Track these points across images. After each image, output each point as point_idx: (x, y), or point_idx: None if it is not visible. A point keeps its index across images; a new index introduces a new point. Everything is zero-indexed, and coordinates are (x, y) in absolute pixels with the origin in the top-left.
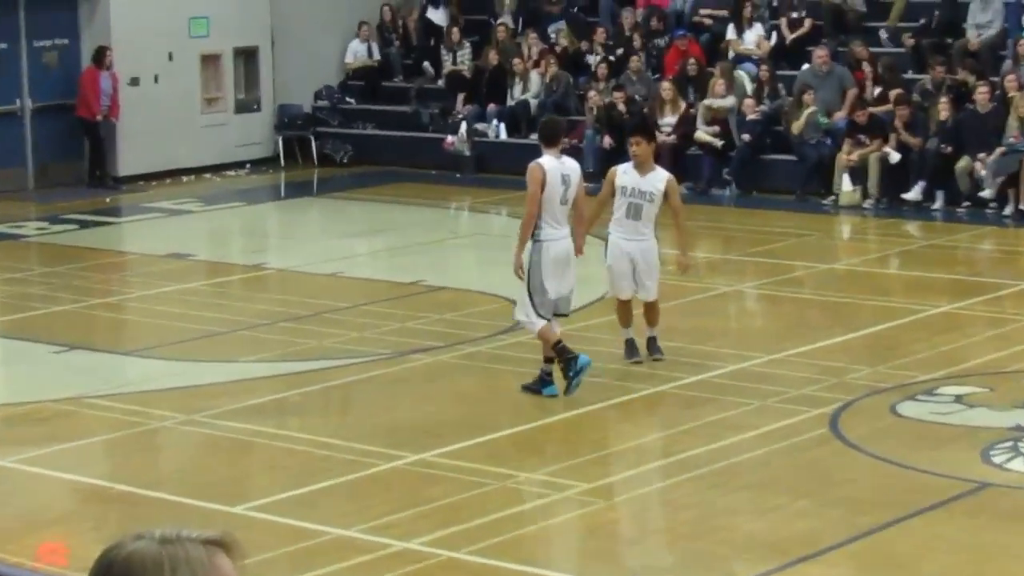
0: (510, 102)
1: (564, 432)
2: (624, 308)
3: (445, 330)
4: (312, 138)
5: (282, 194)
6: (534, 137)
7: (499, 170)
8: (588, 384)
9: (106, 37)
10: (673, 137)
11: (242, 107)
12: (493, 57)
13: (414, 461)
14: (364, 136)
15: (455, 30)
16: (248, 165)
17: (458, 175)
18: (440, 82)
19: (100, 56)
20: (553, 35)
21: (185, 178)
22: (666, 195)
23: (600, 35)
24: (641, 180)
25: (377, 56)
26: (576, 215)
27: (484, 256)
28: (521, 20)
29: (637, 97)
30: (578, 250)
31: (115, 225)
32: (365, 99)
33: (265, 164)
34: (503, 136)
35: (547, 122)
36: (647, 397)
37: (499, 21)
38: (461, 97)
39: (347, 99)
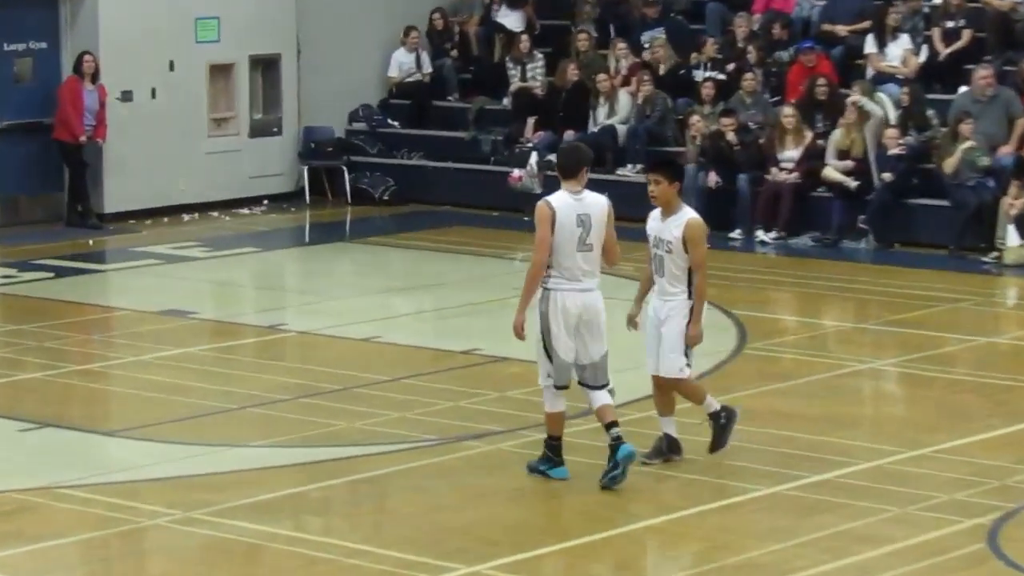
0: (592, 128)
1: (650, 542)
2: (655, 389)
3: (505, 411)
4: (345, 169)
5: (307, 238)
6: (626, 172)
7: None
8: (681, 482)
9: (92, 41)
10: (795, 175)
11: (259, 130)
12: (572, 72)
13: (465, 575)
14: (410, 168)
15: (525, 38)
16: (265, 202)
17: (526, 218)
18: (505, 102)
19: (84, 64)
20: (647, 46)
21: (187, 217)
22: (685, 244)
23: (707, 47)
24: (662, 226)
25: (428, 69)
26: (613, 265)
27: None
28: (608, 27)
29: (751, 125)
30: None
31: (99, 274)
32: (412, 122)
33: (286, 200)
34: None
35: (565, 150)
36: (757, 500)
37: (580, 28)
38: (531, 122)
39: (389, 122)
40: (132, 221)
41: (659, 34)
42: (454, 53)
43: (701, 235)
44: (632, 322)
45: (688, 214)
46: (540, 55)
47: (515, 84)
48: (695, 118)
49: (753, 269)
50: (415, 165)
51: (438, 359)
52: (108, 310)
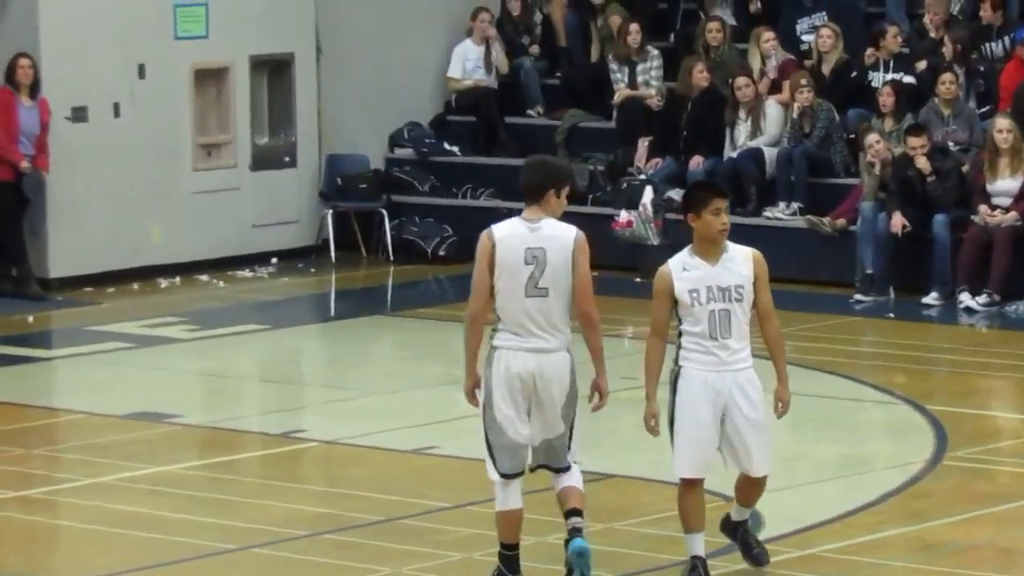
0: (730, 153)
1: None
2: (692, 498)
3: (612, 548)
4: (385, 214)
5: (332, 311)
6: (777, 213)
7: None
8: None
9: (29, 39)
10: (1013, 216)
11: (265, 160)
12: (700, 76)
13: None
14: (475, 211)
15: (635, 29)
16: (275, 260)
17: (638, 279)
18: (609, 119)
19: (18, 72)
20: (807, 38)
21: (165, 282)
22: (755, 284)
23: (888, 38)
24: (715, 271)
25: (503, 68)
26: (584, 322)
27: None
28: (751, 11)
29: (951, 145)
30: (601, 391)
31: (43, 363)
32: (478, 147)
33: (304, 258)
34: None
35: (529, 165)
36: None
37: (712, 14)
38: (644, 144)
39: (447, 147)
40: (88, 289)
41: (822, 20)
42: (535, 49)
43: (766, 268)
44: (655, 423)
45: (740, 246)
46: (656, 52)
47: (621, 92)
48: (872, 137)
49: (955, 347)
50: (483, 207)
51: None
52: (55, 413)
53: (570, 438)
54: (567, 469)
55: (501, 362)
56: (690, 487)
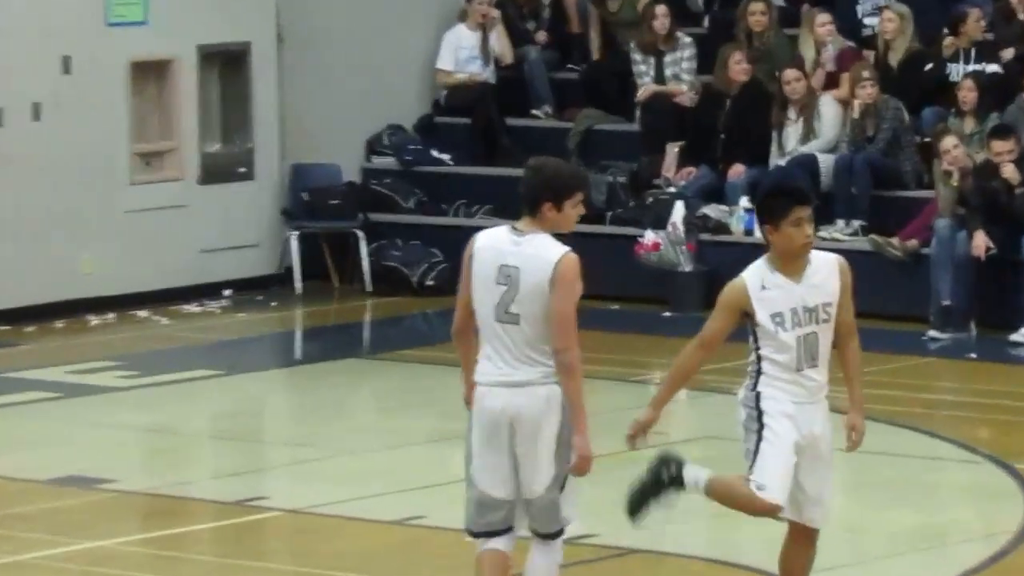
0: (777, 160)
1: None
2: (753, 510)
3: None
4: (362, 237)
5: (298, 353)
6: (836, 231)
7: None
8: None
9: None
10: None
11: (217, 171)
12: (741, 68)
13: None
14: (470, 232)
15: (661, 11)
16: (228, 292)
17: (667, 313)
18: (632, 121)
19: None
20: (870, 22)
21: (95, 319)
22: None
23: (969, 23)
24: (800, 289)
25: (505, 60)
26: (556, 364)
27: None
28: None
29: None
30: (579, 452)
31: None
32: (474, 154)
33: (264, 289)
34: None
35: (526, 169)
36: None
37: None
38: (674, 150)
39: (435, 155)
40: (3, 327)
41: (887, 1)
42: (542, 37)
43: (850, 277)
44: (643, 434)
45: (822, 254)
46: (688, 40)
47: (647, 88)
48: (949, 141)
49: None
50: (479, 227)
51: (522, 554)
52: None
53: (561, 493)
54: (555, 536)
55: (479, 400)
56: (765, 512)
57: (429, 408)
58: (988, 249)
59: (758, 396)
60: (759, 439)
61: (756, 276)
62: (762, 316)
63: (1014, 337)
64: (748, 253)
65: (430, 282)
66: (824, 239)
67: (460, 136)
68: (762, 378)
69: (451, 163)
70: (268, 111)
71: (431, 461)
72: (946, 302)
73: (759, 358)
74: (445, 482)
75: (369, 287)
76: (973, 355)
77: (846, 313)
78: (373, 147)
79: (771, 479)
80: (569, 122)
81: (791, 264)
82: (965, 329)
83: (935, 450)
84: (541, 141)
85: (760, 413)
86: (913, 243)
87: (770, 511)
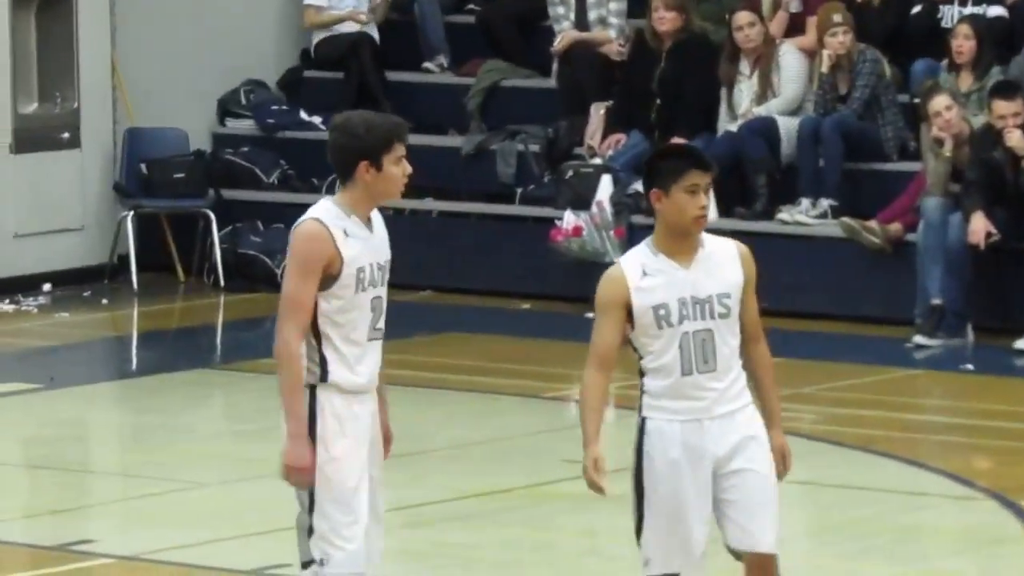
0: (727, 126)
1: None
2: None
3: None
4: (213, 218)
5: (133, 362)
6: (797, 213)
7: None
8: None
9: None
10: None
11: (33, 137)
12: (669, 16)
13: None
14: None
15: None
16: (47, 287)
17: (590, 314)
18: (548, 76)
19: None
20: None
21: None
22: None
23: None
24: (692, 274)
25: None
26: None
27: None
28: None
29: None
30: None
31: None
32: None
33: (91, 283)
34: (709, 213)
35: (337, 127)
36: None
37: None
38: (600, 113)
39: (303, 117)
40: None
41: None
42: None
43: (754, 267)
44: (600, 478)
45: (718, 238)
46: None
47: (565, 36)
48: (941, 102)
49: None
50: None
51: None
52: None
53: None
54: (303, 566)
55: (332, 401)
56: None
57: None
58: (988, 235)
59: (641, 430)
60: (639, 491)
61: (635, 262)
62: (641, 307)
63: (1019, 344)
64: None
65: None
66: (786, 223)
67: (334, 94)
68: (645, 398)
69: (323, 128)
70: (97, 63)
71: (294, 497)
72: (936, 301)
73: (642, 373)
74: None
75: (222, 281)
76: (969, 366)
77: (751, 309)
78: (227, 108)
79: (651, 549)
80: (469, 77)
81: (679, 243)
82: (959, 334)
83: (920, 484)
84: (434, 100)
85: (639, 456)
86: (896, 228)
87: None
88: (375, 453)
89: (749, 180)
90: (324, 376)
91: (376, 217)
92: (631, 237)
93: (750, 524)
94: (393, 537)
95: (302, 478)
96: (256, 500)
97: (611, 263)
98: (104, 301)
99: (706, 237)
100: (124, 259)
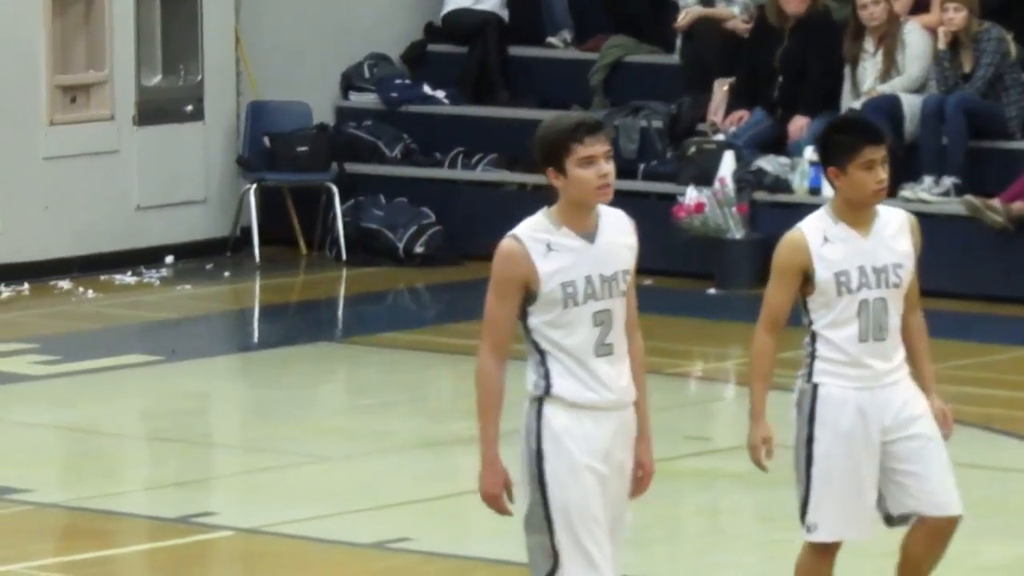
0: (851, 103)
1: None
2: (825, 570)
3: None
4: (335, 192)
5: (254, 336)
6: (921, 191)
7: None
8: None
9: None
10: None
11: (157, 109)
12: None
13: None
14: (469, 188)
15: None
16: (170, 259)
17: (712, 290)
18: (671, 52)
19: None
20: None
21: (6, 290)
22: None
23: None
24: (870, 244)
25: None
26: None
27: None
28: None
29: None
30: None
31: None
32: (473, 92)
33: (214, 256)
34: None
35: (546, 129)
36: None
37: None
38: (723, 90)
39: (427, 91)
40: None
41: None
42: None
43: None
44: (768, 452)
45: (894, 211)
46: None
47: (689, 12)
48: None
49: None
50: (480, 181)
51: None
52: None
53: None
54: None
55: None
56: (826, 557)
57: (415, 406)
58: None
59: (812, 397)
60: (808, 459)
61: (816, 228)
62: (823, 273)
63: None
64: None
65: (419, 249)
66: (909, 200)
67: (458, 69)
68: (817, 363)
69: (447, 102)
70: (221, 36)
71: (417, 472)
72: None
73: (814, 337)
74: (434, 497)
75: (344, 255)
76: None
77: (914, 283)
78: (350, 82)
79: (823, 515)
80: (593, 53)
81: (858, 213)
82: None
83: None
84: (557, 76)
85: (811, 422)
86: (1019, 206)
87: (825, 555)
88: (619, 482)
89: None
90: (548, 389)
91: (609, 223)
92: (753, 214)
93: (936, 489)
94: (518, 511)
95: (493, 505)
96: (377, 474)
97: (733, 240)
98: (226, 274)
99: (879, 207)
100: (246, 232)
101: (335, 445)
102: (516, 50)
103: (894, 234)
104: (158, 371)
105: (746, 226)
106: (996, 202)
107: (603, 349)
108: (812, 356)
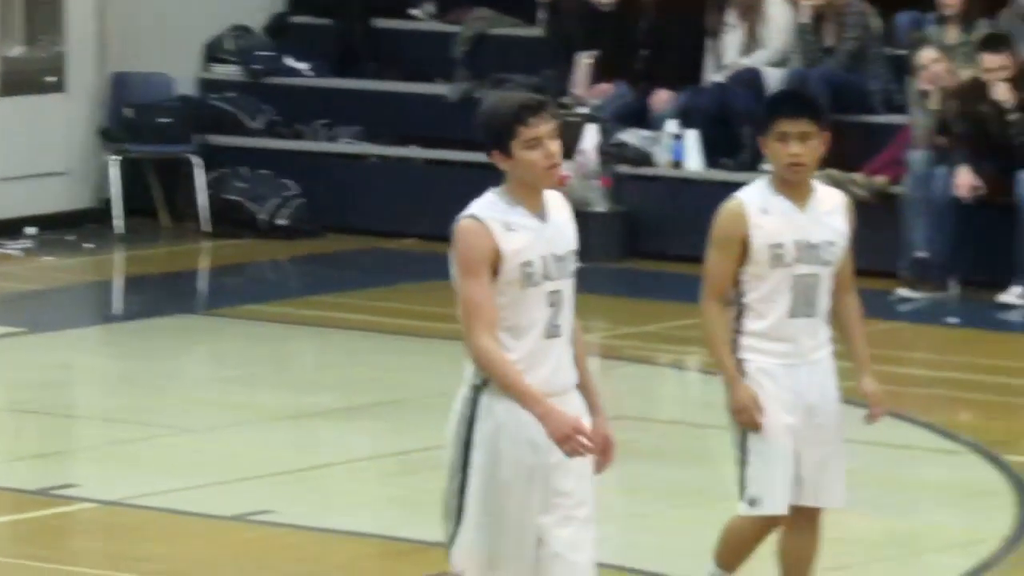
0: (713, 76)
1: None
2: (758, 535)
3: None
4: (198, 164)
5: (117, 307)
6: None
7: (682, 248)
8: None
9: None
10: None
11: (17, 80)
12: None
13: None
14: (332, 160)
15: None
16: (31, 231)
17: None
18: (533, 24)
19: None
20: None
21: None
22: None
23: None
24: (804, 219)
25: None
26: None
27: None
28: None
29: None
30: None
31: None
32: (336, 64)
33: (75, 227)
34: (694, 163)
35: (488, 111)
36: None
37: None
38: (586, 63)
39: (289, 63)
40: None
41: None
42: None
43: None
44: (757, 407)
45: (830, 189)
46: None
47: None
48: (928, 55)
49: None
50: (343, 154)
51: (394, 560)
52: None
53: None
54: None
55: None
56: (763, 531)
57: (278, 378)
58: (974, 188)
59: (741, 367)
60: (742, 437)
61: (757, 197)
62: (759, 244)
63: (1003, 298)
64: (677, 190)
65: (282, 221)
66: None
67: (320, 41)
68: (743, 339)
69: (309, 74)
70: (84, 6)
71: (279, 444)
72: (921, 254)
73: (741, 311)
74: (296, 470)
75: (206, 226)
76: (954, 320)
77: (848, 264)
78: (213, 53)
79: (764, 486)
80: (456, 25)
81: (791, 187)
82: (944, 287)
83: (905, 437)
84: (420, 48)
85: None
86: (881, 180)
87: (770, 525)
88: (574, 463)
89: (735, 131)
90: (485, 379)
91: (553, 204)
92: (617, 187)
93: (826, 481)
94: (383, 484)
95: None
96: (240, 446)
97: (597, 212)
98: (89, 246)
99: (816, 184)
100: (108, 204)
101: (198, 417)
102: (380, 21)
103: (829, 211)
104: (20, 343)
105: (609, 199)
106: (859, 176)
107: (553, 330)
108: (739, 332)
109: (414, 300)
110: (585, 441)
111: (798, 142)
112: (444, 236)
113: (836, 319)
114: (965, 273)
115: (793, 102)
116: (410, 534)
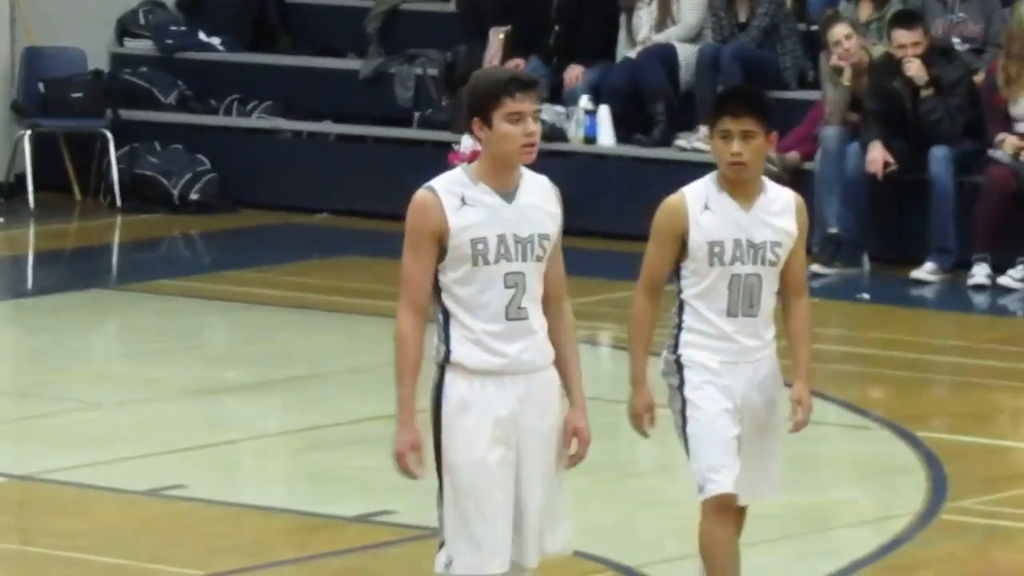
0: (626, 52)
1: None
2: (727, 530)
3: None
4: (110, 138)
5: (27, 282)
6: (696, 140)
7: (595, 224)
8: None
9: None
10: None
11: None
12: None
13: None
14: (245, 135)
15: None
16: None
17: None
18: (447, 0)
19: None
20: None
21: None
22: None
23: None
24: (747, 218)
25: None
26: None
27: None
28: None
29: (959, 43)
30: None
31: None
32: (249, 39)
33: None
34: (607, 139)
35: (478, 80)
36: None
37: None
38: (499, 38)
39: (203, 38)
40: None
41: None
42: None
43: (807, 219)
44: (649, 420)
45: (783, 190)
46: None
47: None
48: (840, 31)
49: (961, 346)
50: (256, 129)
51: (304, 535)
52: None
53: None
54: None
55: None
56: (724, 512)
57: (189, 353)
58: (886, 165)
59: (679, 363)
60: (684, 419)
61: (699, 194)
62: (697, 241)
63: (916, 274)
64: (589, 165)
65: (194, 196)
66: (684, 150)
67: (234, 16)
68: (682, 335)
69: (222, 49)
70: None
71: (190, 419)
72: (833, 230)
73: (682, 307)
74: (208, 444)
75: (118, 201)
76: (865, 296)
77: (798, 262)
78: (125, 28)
79: (707, 465)
80: (367, 2)
81: (735, 186)
82: (856, 263)
83: (816, 413)
84: (333, 23)
85: (681, 383)
86: (793, 156)
87: (722, 510)
88: (536, 446)
89: (647, 107)
90: (448, 355)
91: (530, 187)
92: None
93: (760, 476)
94: (294, 460)
95: (398, 463)
96: (151, 421)
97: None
98: (0, 220)
99: (769, 183)
100: (21, 178)
101: (109, 392)
102: None
103: (778, 212)
104: None
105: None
106: (771, 152)
107: (517, 312)
108: (679, 327)
109: (326, 275)
110: (413, 468)
111: (740, 141)
112: (356, 211)
113: (784, 322)
114: (877, 250)
115: (737, 100)
116: (321, 509)
